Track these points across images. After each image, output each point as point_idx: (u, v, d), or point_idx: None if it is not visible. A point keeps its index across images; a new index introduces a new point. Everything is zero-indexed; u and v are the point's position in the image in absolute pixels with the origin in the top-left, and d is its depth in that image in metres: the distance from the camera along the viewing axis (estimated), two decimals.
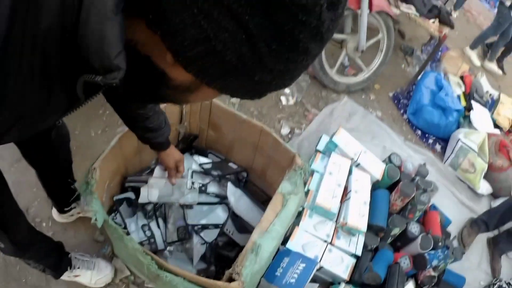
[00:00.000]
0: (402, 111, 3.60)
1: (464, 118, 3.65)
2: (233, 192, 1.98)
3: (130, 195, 1.85)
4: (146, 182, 1.87)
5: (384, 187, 2.44)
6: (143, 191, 1.85)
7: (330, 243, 2.04)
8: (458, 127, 3.58)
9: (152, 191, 1.86)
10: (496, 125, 3.93)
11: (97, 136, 2.45)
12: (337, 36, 3.21)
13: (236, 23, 0.51)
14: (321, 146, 2.41)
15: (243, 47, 0.53)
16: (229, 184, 1.99)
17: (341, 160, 2.28)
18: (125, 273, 1.93)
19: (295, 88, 3.19)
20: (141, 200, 1.85)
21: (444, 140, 3.56)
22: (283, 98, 3.12)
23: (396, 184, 2.40)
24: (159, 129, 1.47)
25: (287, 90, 3.17)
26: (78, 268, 1.77)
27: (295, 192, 1.64)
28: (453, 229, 2.80)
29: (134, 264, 1.64)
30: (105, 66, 0.59)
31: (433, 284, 2.20)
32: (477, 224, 2.90)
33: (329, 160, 2.26)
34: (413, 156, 3.15)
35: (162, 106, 1.66)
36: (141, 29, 0.59)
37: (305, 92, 3.25)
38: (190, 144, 2.15)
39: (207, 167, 2.01)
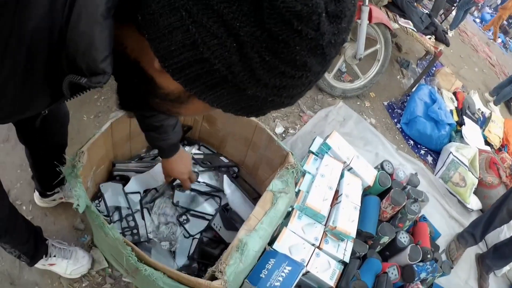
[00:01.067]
0: (395, 120, 3.59)
1: (456, 132, 3.66)
2: (229, 185, 1.94)
3: (117, 183, 1.78)
4: (134, 170, 1.82)
5: (375, 194, 2.40)
6: (132, 180, 1.80)
7: (318, 247, 1.98)
8: (449, 141, 3.58)
9: (140, 181, 1.81)
10: (486, 143, 3.95)
11: (89, 120, 2.40)
12: None
13: (226, 30, 0.47)
14: (314, 148, 2.36)
15: (233, 56, 0.49)
16: (225, 177, 1.95)
17: (333, 163, 2.23)
18: (103, 264, 1.84)
19: None
20: (128, 189, 1.79)
21: (436, 152, 3.56)
22: None
23: (387, 191, 2.36)
24: (163, 133, 1.41)
25: None
26: (54, 256, 1.68)
27: (285, 191, 1.60)
28: (441, 243, 2.77)
29: (114, 256, 1.56)
30: (91, 69, 0.58)
31: None
32: (464, 238, 2.87)
33: (321, 162, 2.20)
34: (405, 165, 3.13)
35: None
36: (132, 34, 0.58)
37: None
38: (183, 135, 2.09)
39: (198, 157, 1.95)
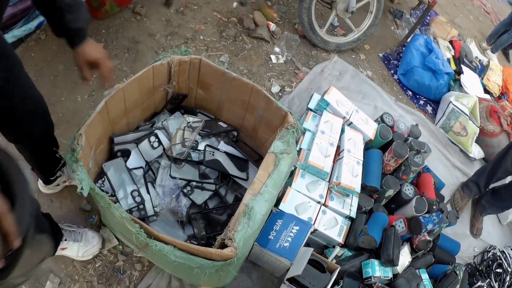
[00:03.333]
0: (392, 71, 3.51)
1: (455, 81, 3.59)
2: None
3: (119, 160, 1.75)
4: (133, 142, 1.80)
5: (376, 147, 2.36)
6: (133, 154, 1.78)
7: (324, 204, 1.99)
8: (448, 90, 3.51)
9: (142, 153, 1.80)
10: (486, 91, 3.88)
11: (84, 100, 2.36)
12: None
13: None
14: (312, 105, 2.31)
15: None
16: (222, 143, 1.94)
17: (333, 118, 2.19)
18: (113, 242, 1.83)
19: (284, 46, 3.10)
20: (130, 164, 1.76)
21: (435, 102, 3.50)
22: (272, 57, 3.02)
23: (388, 144, 2.34)
24: (76, 11, 1.25)
25: (277, 49, 3.08)
26: (65, 240, 1.65)
27: (287, 151, 1.56)
28: (446, 193, 2.75)
29: (123, 233, 1.55)
30: None
31: (428, 249, 2.13)
32: (468, 187, 2.85)
33: (321, 118, 2.16)
34: (405, 116, 3.08)
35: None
36: None
37: (295, 51, 3.15)
38: (179, 104, 2.05)
39: (196, 125, 1.90)
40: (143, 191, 1.72)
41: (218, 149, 1.88)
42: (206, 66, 1.82)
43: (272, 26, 3.16)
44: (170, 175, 1.75)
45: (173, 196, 1.79)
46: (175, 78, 1.85)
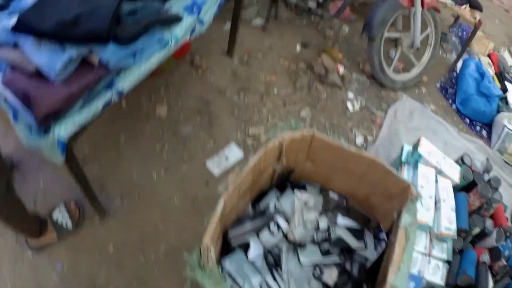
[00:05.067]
0: (450, 101, 3.71)
1: (501, 100, 3.74)
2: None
3: (238, 253, 1.74)
4: (250, 231, 1.79)
5: (458, 189, 2.62)
6: (252, 244, 1.77)
7: (428, 254, 2.23)
8: (498, 111, 3.68)
9: (261, 241, 1.81)
10: None
11: (160, 178, 2.29)
12: (392, 34, 3.30)
13: None
14: (405, 157, 2.57)
15: None
16: (339, 217, 1.99)
17: (427, 171, 2.45)
18: None
19: (356, 91, 3.23)
20: (252, 254, 1.76)
21: (488, 125, 3.69)
22: (349, 104, 3.12)
23: (470, 184, 2.58)
24: None
25: (350, 94, 3.21)
26: None
27: (414, 223, 1.69)
28: (508, 214, 2.97)
29: None
30: None
31: (506, 272, 2.38)
32: None
33: (417, 173, 2.42)
34: (468, 146, 3.31)
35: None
36: None
37: (367, 94, 3.27)
38: (286, 179, 2.07)
39: (313, 203, 1.95)
40: (269, 280, 1.70)
41: (338, 225, 1.92)
42: (318, 141, 1.85)
43: (341, 69, 3.26)
44: (299, 261, 1.77)
45: (304, 282, 1.77)
46: (285, 156, 1.86)
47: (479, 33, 4.51)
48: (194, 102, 2.61)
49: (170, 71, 2.67)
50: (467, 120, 3.67)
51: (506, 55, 4.57)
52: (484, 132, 3.65)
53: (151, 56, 1.65)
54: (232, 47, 2.95)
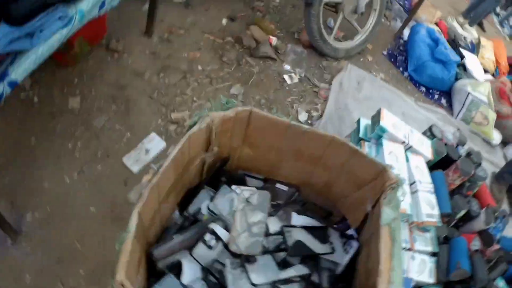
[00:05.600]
0: (401, 68, 3.39)
1: (458, 66, 3.52)
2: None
3: (169, 279, 1.28)
4: (179, 247, 1.37)
5: (430, 166, 2.19)
6: (185, 266, 1.34)
7: (410, 249, 1.84)
8: (456, 78, 3.44)
9: (196, 261, 1.37)
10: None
11: (73, 183, 2.02)
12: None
13: None
14: (364, 133, 2.10)
15: None
16: (294, 215, 1.57)
17: (394, 147, 1.99)
18: None
19: (294, 63, 2.90)
20: (186, 278, 1.31)
21: (446, 93, 3.42)
22: (286, 77, 2.82)
23: (443, 160, 2.18)
24: None
25: (287, 66, 2.88)
26: None
27: (398, 218, 1.31)
28: None
29: None
30: None
31: (500, 256, 2.04)
32: (503, 178, 2.82)
33: (382, 150, 1.96)
34: (430, 117, 2.98)
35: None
36: None
37: (306, 66, 2.96)
38: (218, 172, 1.62)
39: (259, 201, 1.49)
40: None
41: (294, 226, 1.51)
42: (258, 119, 1.46)
43: (274, 40, 2.94)
44: (252, 284, 1.32)
45: None
46: (216, 143, 1.48)
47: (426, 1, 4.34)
48: (109, 89, 2.35)
49: (84, 58, 2.43)
50: (423, 89, 3.36)
51: (455, 23, 4.42)
52: (443, 101, 3.35)
53: (50, 37, 1.48)
54: (151, 26, 2.69)
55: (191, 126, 1.32)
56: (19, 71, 1.42)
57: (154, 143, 2.32)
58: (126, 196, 2.07)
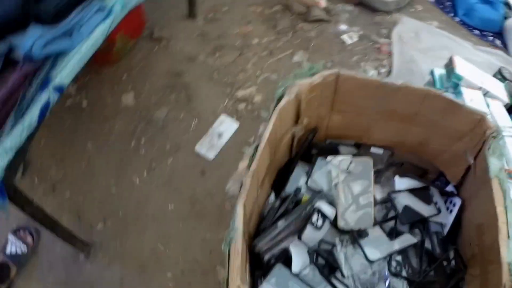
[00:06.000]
0: (452, 14, 3.27)
1: (505, 5, 3.33)
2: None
3: (279, 269, 1.19)
4: (285, 233, 1.28)
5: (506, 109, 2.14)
6: (294, 253, 1.24)
7: None
8: (505, 17, 3.26)
9: (304, 245, 1.29)
10: None
11: (144, 181, 1.95)
12: None
13: None
14: (440, 83, 2.06)
15: None
16: (397, 179, 1.48)
17: (473, 94, 1.95)
18: None
19: (348, 22, 2.85)
20: (297, 266, 1.22)
21: (499, 34, 3.27)
22: (345, 37, 2.76)
23: None
24: None
25: (342, 26, 2.81)
26: None
27: (503, 168, 1.23)
28: None
29: None
30: None
31: None
32: None
33: (463, 99, 1.91)
34: (490, 59, 2.88)
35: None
36: None
37: (361, 23, 2.89)
38: (308, 146, 1.53)
39: (359, 169, 1.42)
40: None
41: (400, 191, 1.43)
42: (347, 82, 1.36)
43: (323, 2, 2.85)
44: (366, 258, 1.25)
45: (380, 284, 1.25)
46: (306, 114, 1.40)
47: None
48: (163, 79, 2.29)
49: (129, 53, 2.37)
50: (476, 32, 3.23)
51: None
52: (498, 42, 3.21)
53: (92, 32, 1.40)
54: (193, 8, 2.65)
55: (278, 100, 1.26)
56: (64, 74, 1.32)
57: (226, 125, 2.23)
58: (206, 187, 2.00)
